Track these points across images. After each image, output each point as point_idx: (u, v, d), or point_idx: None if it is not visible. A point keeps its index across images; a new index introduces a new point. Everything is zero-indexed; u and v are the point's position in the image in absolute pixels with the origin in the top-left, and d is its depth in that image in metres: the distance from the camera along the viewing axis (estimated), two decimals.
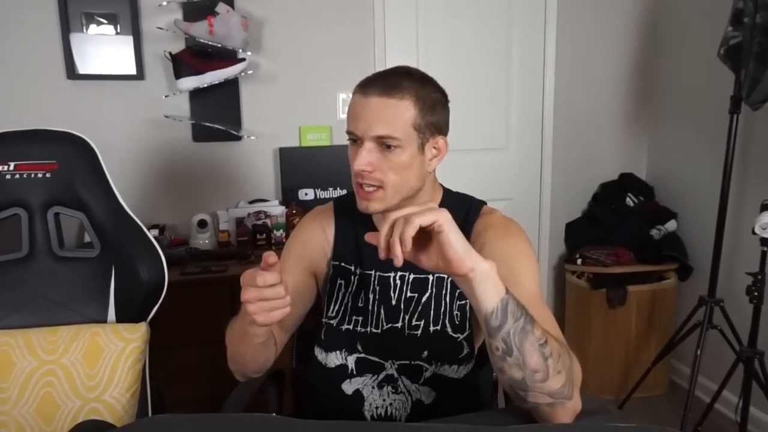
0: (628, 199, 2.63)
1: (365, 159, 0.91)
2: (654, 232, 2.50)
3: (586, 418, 0.80)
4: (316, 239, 1.08)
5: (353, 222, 1.07)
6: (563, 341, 0.86)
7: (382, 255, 0.72)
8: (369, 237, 0.75)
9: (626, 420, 2.31)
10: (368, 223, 1.05)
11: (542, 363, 0.75)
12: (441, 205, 1.02)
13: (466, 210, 1.04)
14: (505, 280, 0.94)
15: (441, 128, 0.97)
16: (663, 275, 2.43)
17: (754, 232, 1.80)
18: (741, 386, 1.94)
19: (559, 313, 2.75)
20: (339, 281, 1.05)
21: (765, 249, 1.82)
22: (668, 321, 2.43)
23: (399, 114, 0.90)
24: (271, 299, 0.74)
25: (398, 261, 0.70)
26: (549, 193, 2.68)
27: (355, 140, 0.93)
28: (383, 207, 0.94)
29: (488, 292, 0.73)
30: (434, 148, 0.97)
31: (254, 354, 0.94)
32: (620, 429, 0.68)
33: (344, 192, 1.88)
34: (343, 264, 1.05)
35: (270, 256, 0.74)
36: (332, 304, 1.05)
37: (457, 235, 0.72)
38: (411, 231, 0.69)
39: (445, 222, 0.71)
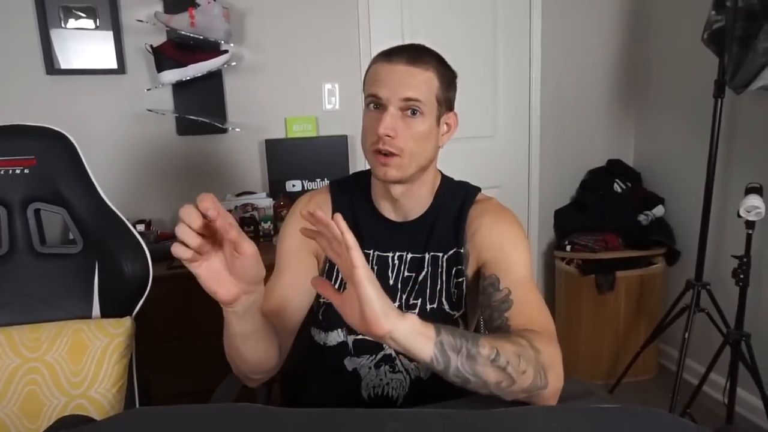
0: (615, 185, 2.64)
1: (390, 124, 0.91)
2: (642, 218, 2.51)
3: (573, 400, 0.81)
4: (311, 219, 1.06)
5: (351, 202, 1.07)
6: (545, 326, 0.88)
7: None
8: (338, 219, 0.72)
9: (615, 403, 2.34)
10: (367, 202, 1.05)
11: (501, 374, 0.77)
12: (438, 191, 1.04)
13: (462, 196, 1.06)
14: (496, 264, 0.96)
15: (452, 105, 1.01)
16: (651, 260, 2.45)
17: (739, 216, 1.81)
18: (728, 368, 1.97)
19: (549, 299, 2.76)
20: None
21: (750, 232, 1.83)
22: (657, 305, 2.45)
23: (425, 82, 0.94)
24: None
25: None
26: (537, 180, 2.68)
27: (377, 106, 0.94)
28: (401, 175, 0.94)
29: (419, 345, 0.73)
30: (446, 123, 1.00)
31: (246, 354, 0.87)
32: (605, 410, 0.68)
33: None
34: None
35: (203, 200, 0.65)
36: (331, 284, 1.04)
37: (376, 291, 0.69)
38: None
39: (363, 275, 0.68)
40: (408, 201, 1.02)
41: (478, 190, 1.09)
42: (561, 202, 2.73)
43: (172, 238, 2.29)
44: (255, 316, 0.80)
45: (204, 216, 0.65)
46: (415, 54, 0.95)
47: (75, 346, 1.14)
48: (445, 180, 1.09)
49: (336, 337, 1.03)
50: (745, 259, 1.85)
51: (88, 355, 1.14)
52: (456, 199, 1.05)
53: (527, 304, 0.92)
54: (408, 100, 0.92)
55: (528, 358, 0.79)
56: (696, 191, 2.13)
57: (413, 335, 0.72)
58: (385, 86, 0.93)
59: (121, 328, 1.19)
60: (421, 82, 0.93)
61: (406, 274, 1.02)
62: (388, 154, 0.93)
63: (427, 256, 1.02)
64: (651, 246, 2.44)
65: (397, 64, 0.93)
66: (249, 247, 0.69)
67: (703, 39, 1.91)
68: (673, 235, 2.49)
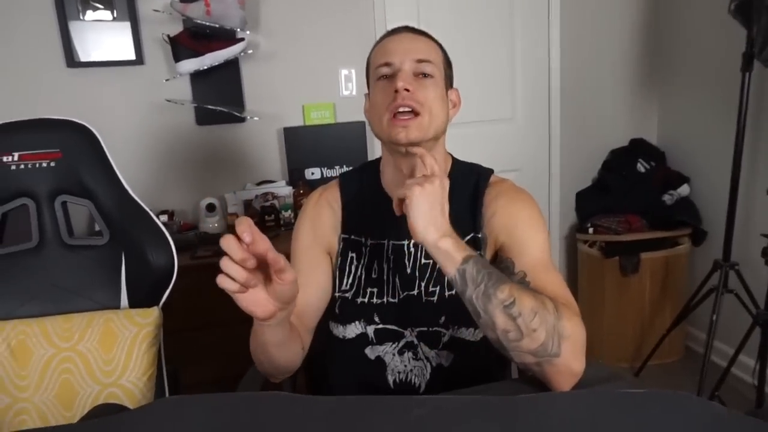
0: (639, 165, 2.58)
1: (408, 79, 0.92)
2: (666, 198, 2.46)
3: (598, 385, 0.80)
4: (325, 215, 1.07)
5: (361, 193, 1.06)
6: (569, 302, 0.87)
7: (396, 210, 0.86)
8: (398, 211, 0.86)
9: (642, 387, 2.32)
10: (377, 192, 1.04)
11: (511, 323, 0.79)
12: (450, 173, 1.03)
13: (475, 179, 1.04)
14: (511, 247, 0.95)
15: (452, 83, 1.03)
16: (676, 241, 2.40)
17: None
18: (758, 350, 1.93)
19: (571, 283, 2.73)
20: (350, 254, 1.04)
21: None
22: (683, 287, 2.41)
23: (433, 48, 0.98)
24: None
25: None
26: (558, 162, 2.64)
27: (387, 76, 0.95)
28: (421, 136, 0.92)
29: (444, 263, 0.82)
30: (451, 99, 1.01)
31: (276, 355, 0.89)
32: (631, 395, 0.68)
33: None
34: (353, 237, 1.04)
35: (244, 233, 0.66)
36: (345, 277, 1.04)
37: (419, 209, 0.82)
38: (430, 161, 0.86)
39: (413, 194, 0.82)
40: None
41: (491, 172, 1.07)
42: (582, 184, 2.69)
43: (195, 228, 2.31)
44: (285, 325, 0.83)
45: (239, 239, 0.67)
46: (418, 30, 1.00)
47: (105, 336, 1.17)
48: (457, 162, 1.07)
49: (354, 329, 1.02)
50: None
51: (118, 345, 1.16)
52: (469, 182, 1.03)
53: (545, 286, 0.90)
54: (420, 61, 0.94)
55: (544, 319, 0.79)
56: (723, 169, 2.08)
57: (439, 252, 0.82)
58: (396, 52, 0.94)
59: (149, 317, 1.21)
60: (431, 48, 0.98)
61: (423, 261, 1.01)
62: (408, 114, 0.91)
63: None
64: (676, 226, 2.40)
65: (404, 33, 0.98)
66: (291, 275, 0.72)
67: (729, 10, 1.84)
68: (699, 214, 2.44)
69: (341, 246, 1.05)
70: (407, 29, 0.99)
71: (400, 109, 0.91)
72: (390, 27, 2.25)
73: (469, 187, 1.03)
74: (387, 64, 0.94)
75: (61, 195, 1.24)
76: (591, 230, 2.48)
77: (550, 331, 0.78)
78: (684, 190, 2.48)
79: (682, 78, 2.52)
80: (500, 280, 0.80)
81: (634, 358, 2.42)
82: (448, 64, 1.01)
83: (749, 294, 1.96)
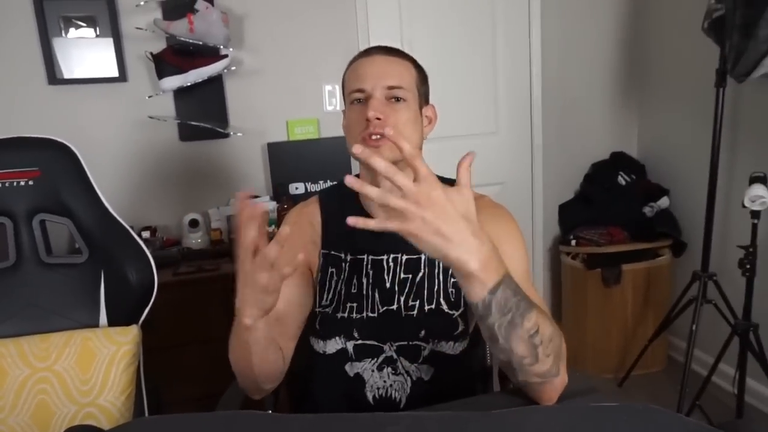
0: (620, 177, 2.62)
1: (378, 107, 0.93)
2: (647, 210, 2.50)
3: (574, 398, 0.81)
4: (304, 230, 1.07)
5: (341, 209, 1.06)
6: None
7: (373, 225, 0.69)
8: (351, 220, 0.70)
9: (625, 397, 2.33)
10: (356, 208, 1.05)
11: (531, 351, 0.76)
12: None
13: None
14: None
15: (428, 99, 1.04)
16: (657, 252, 2.44)
17: (743, 206, 1.80)
18: (737, 359, 1.96)
19: (555, 294, 2.76)
20: (330, 269, 1.05)
21: (755, 222, 1.82)
22: (664, 297, 2.43)
23: (406, 70, 0.99)
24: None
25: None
26: (541, 175, 2.67)
27: (360, 100, 0.96)
28: (393, 156, 0.92)
29: (467, 289, 0.72)
30: (426, 116, 1.03)
31: (259, 365, 0.91)
32: (603, 408, 0.69)
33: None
34: (332, 252, 1.05)
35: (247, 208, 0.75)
36: (325, 293, 1.05)
37: (432, 242, 0.67)
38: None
39: (419, 233, 0.67)
40: None
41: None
42: (565, 196, 2.72)
43: (178, 244, 2.30)
44: (266, 330, 0.86)
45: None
46: (391, 48, 1.01)
47: (83, 355, 1.16)
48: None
49: (335, 344, 1.03)
50: (751, 249, 1.83)
51: (96, 364, 1.16)
52: None
53: None
54: (392, 87, 0.95)
55: (555, 345, 0.79)
56: (701, 182, 2.12)
57: (469, 279, 0.70)
58: (368, 78, 0.95)
59: (128, 336, 1.20)
60: (403, 70, 0.98)
61: (402, 276, 1.02)
62: (379, 138, 0.93)
63: (423, 256, 1.02)
64: (657, 238, 2.43)
65: (376, 55, 0.98)
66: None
67: (703, 28, 1.90)
68: (679, 226, 2.48)
69: (321, 261, 1.06)
70: (379, 50, 1.00)
71: (372, 136, 0.93)
72: (373, 43, 2.31)
73: None
74: (359, 90, 0.96)
75: (39, 213, 1.23)
76: (573, 242, 2.50)
77: (557, 355, 0.79)
78: (664, 202, 2.52)
79: (660, 92, 2.58)
80: (529, 306, 0.75)
81: (618, 369, 2.44)
82: (422, 81, 1.02)
83: (727, 304, 1.99)
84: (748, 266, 1.84)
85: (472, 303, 0.73)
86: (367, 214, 1.04)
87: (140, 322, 1.27)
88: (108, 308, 1.25)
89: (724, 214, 2.20)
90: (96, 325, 1.24)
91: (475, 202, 1.01)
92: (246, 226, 0.75)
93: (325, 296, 1.05)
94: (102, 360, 1.16)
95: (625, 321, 2.43)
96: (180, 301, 1.77)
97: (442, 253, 0.68)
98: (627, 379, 2.38)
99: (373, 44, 2.26)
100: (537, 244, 2.73)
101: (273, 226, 2.12)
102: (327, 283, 1.05)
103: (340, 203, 1.07)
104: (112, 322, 1.25)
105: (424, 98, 1.02)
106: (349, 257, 1.04)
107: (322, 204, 1.10)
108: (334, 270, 1.05)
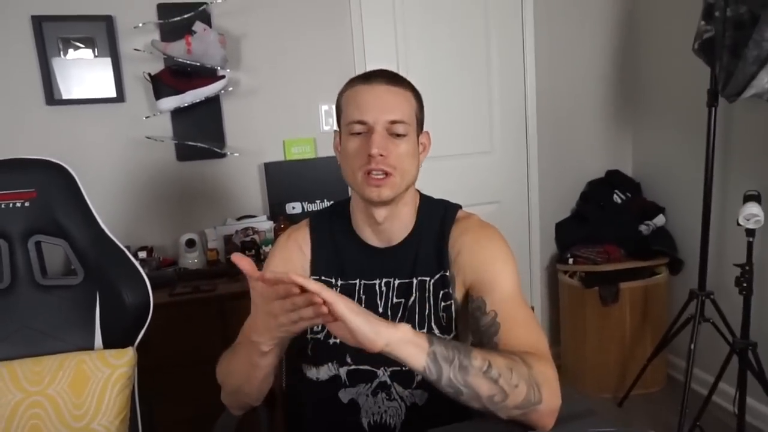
0: (615, 195, 2.64)
1: (381, 143, 0.92)
2: (643, 228, 2.51)
3: (570, 422, 0.80)
4: (294, 258, 1.06)
5: (331, 234, 1.06)
6: (536, 344, 0.88)
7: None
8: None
9: (625, 418, 2.31)
10: (348, 233, 1.05)
11: (494, 386, 0.78)
12: (419, 210, 1.05)
13: (441, 215, 1.05)
14: (481, 286, 0.96)
15: (423, 126, 1.03)
16: (654, 270, 2.44)
17: (738, 224, 1.81)
18: (737, 378, 1.95)
19: (553, 313, 2.75)
20: None
21: (750, 240, 1.83)
22: (662, 316, 2.43)
23: (407, 101, 0.97)
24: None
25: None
26: (537, 193, 2.68)
27: (359, 132, 0.94)
28: (394, 193, 0.95)
29: (412, 354, 0.76)
30: (422, 143, 1.02)
31: (260, 385, 0.93)
32: None
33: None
34: (323, 278, 1.04)
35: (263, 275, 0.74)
36: None
37: (358, 317, 0.73)
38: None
39: (343, 309, 0.72)
40: (392, 224, 1.01)
41: (458, 207, 1.08)
42: (561, 214, 2.73)
43: (174, 264, 2.29)
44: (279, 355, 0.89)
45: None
46: (392, 75, 0.98)
47: (77, 379, 1.14)
48: (424, 199, 1.08)
49: (327, 371, 1.02)
50: (747, 267, 1.84)
51: (90, 387, 1.14)
52: (436, 219, 1.04)
53: (514, 324, 0.91)
54: (394, 122, 0.93)
55: (520, 373, 0.79)
56: (695, 200, 2.13)
57: (405, 345, 0.76)
58: (370, 110, 0.93)
59: (123, 358, 1.19)
60: (404, 102, 0.96)
61: (394, 300, 1.01)
62: (381, 174, 0.93)
63: (414, 281, 1.01)
64: (653, 256, 2.44)
65: (378, 84, 0.95)
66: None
67: (693, 49, 1.93)
68: (675, 244, 2.48)
69: None
70: (381, 77, 0.97)
71: (373, 173, 0.93)
72: (369, 64, 2.35)
73: (435, 225, 1.04)
74: (360, 122, 0.94)
75: (35, 235, 1.23)
76: (571, 260, 2.50)
77: (529, 382, 0.79)
78: (660, 220, 2.53)
79: (653, 111, 2.61)
80: (467, 349, 0.80)
81: (617, 389, 2.42)
82: (420, 109, 1.01)
83: (725, 322, 1.99)
84: (744, 284, 1.84)
85: (420, 370, 0.77)
86: (358, 238, 1.04)
87: (136, 344, 1.26)
88: (103, 330, 1.24)
89: (719, 232, 2.21)
90: (91, 347, 1.23)
91: (463, 222, 1.04)
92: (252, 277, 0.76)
93: None
94: (96, 383, 1.14)
95: (623, 339, 2.42)
96: (175, 322, 1.75)
97: (370, 334, 0.74)
98: (627, 399, 2.36)
99: (369, 65, 2.31)
100: (534, 263, 2.73)
101: (270, 246, 2.11)
102: None
103: (331, 227, 1.07)
104: (108, 344, 1.23)
105: (420, 126, 1.01)
106: (340, 282, 1.04)
107: (312, 228, 1.08)
108: None
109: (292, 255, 1.06)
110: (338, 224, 1.06)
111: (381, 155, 0.91)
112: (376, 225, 1.01)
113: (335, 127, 1.04)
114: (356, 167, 0.94)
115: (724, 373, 1.94)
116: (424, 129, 1.04)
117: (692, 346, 1.96)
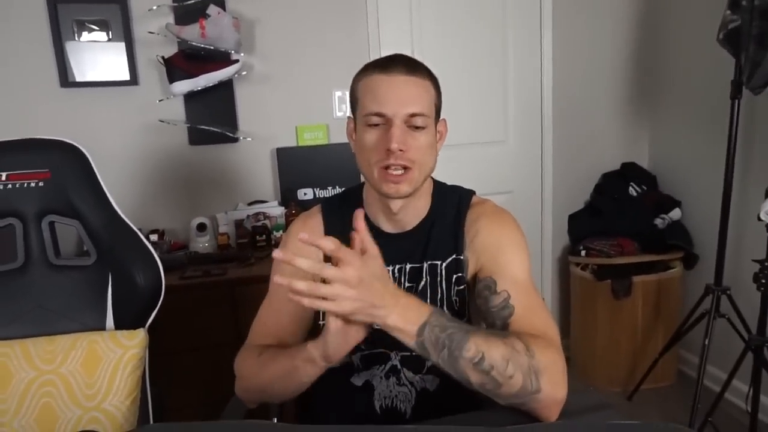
0: (630, 188, 2.60)
1: (400, 137, 0.89)
2: (658, 221, 2.47)
3: (587, 414, 0.79)
4: (306, 249, 1.05)
5: (343, 222, 1.04)
6: (545, 330, 0.86)
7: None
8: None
9: (635, 411, 2.29)
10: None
11: (484, 377, 0.78)
12: (433, 197, 1.03)
13: (456, 201, 1.04)
14: (492, 267, 0.95)
15: (440, 113, 0.99)
16: (668, 264, 2.40)
17: (759, 219, 1.77)
18: (751, 375, 1.92)
19: (564, 305, 2.73)
20: None
21: None
22: (675, 310, 2.40)
23: (426, 92, 0.93)
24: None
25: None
26: (550, 184, 2.65)
27: (377, 124, 0.91)
28: (412, 188, 0.93)
29: (401, 339, 0.79)
30: (438, 131, 0.99)
31: (297, 389, 0.92)
32: (624, 426, 0.66)
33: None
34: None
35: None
36: None
37: (344, 309, 0.75)
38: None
39: (353, 311, 0.75)
40: (407, 213, 1.00)
41: (472, 193, 1.07)
42: (575, 206, 2.69)
43: (185, 247, 2.30)
44: None
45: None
46: (411, 63, 0.94)
47: (89, 358, 1.15)
48: (438, 185, 1.07)
49: None
50: (766, 263, 1.80)
51: (102, 367, 1.14)
52: (451, 204, 1.03)
53: (528, 310, 0.90)
54: (414, 115, 0.90)
55: (518, 363, 0.78)
56: (714, 194, 2.09)
57: (395, 331, 0.78)
58: (389, 102, 0.90)
59: (134, 339, 1.19)
60: (423, 93, 0.93)
61: (406, 285, 1.01)
62: (399, 170, 0.91)
63: (425, 265, 1.00)
64: (668, 250, 2.40)
65: (396, 74, 0.91)
66: None
67: (718, 39, 1.87)
68: (691, 238, 2.45)
69: None
70: (399, 66, 0.92)
71: (392, 169, 0.91)
72: (384, 50, 2.31)
73: (451, 209, 1.03)
74: (378, 114, 0.91)
75: (48, 215, 1.23)
76: (583, 253, 2.48)
77: (526, 372, 0.78)
78: (675, 214, 2.49)
79: (672, 103, 2.56)
80: (463, 337, 0.78)
81: (627, 382, 2.40)
82: (438, 97, 0.97)
83: (741, 319, 1.96)
84: (763, 281, 1.80)
85: (410, 347, 0.79)
86: (372, 225, 1.02)
87: (147, 325, 1.26)
88: (115, 311, 1.24)
89: (737, 226, 2.17)
90: (103, 328, 1.23)
91: (478, 207, 1.02)
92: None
93: None
94: (108, 364, 1.15)
95: (634, 334, 2.40)
96: (186, 305, 1.76)
97: (369, 318, 0.77)
98: (636, 393, 2.34)
99: (383, 51, 2.28)
100: (546, 254, 2.70)
101: (281, 231, 2.11)
102: None
103: (343, 214, 1.04)
104: (119, 325, 1.24)
105: (438, 114, 0.99)
106: None
107: (325, 216, 1.07)
108: None
109: (305, 246, 1.05)
110: (351, 211, 1.05)
111: (401, 150, 0.89)
112: (391, 214, 1.00)
113: (349, 113, 1.01)
114: (373, 161, 0.92)
115: (738, 369, 1.91)
116: (441, 116, 1.02)
117: (706, 342, 1.93)
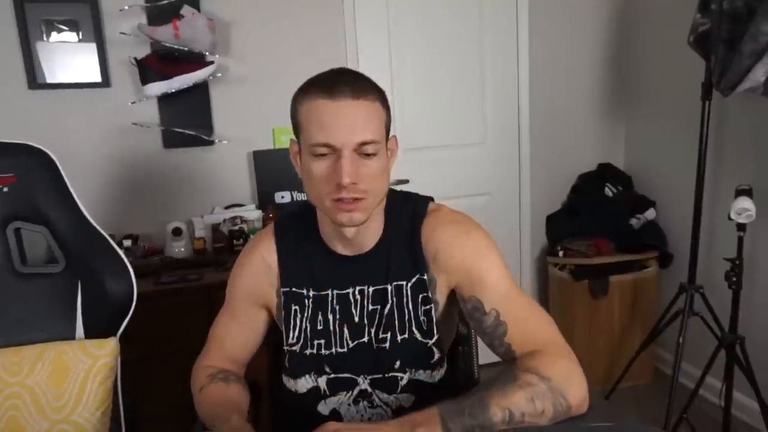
0: (606, 189, 2.63)
1: (351, 170, 0.83)
2: (633, 221, 2.51)
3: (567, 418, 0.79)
4: (259, 271, 1.02)
5: (298, 244, 1.00)
6: (551, 336, 0.88)
7: None
8: None
9: (612, 409, 2.32)
10: (315, 242, 0.99)
11: (521, 424, 0.77)
12: (387, 212, 0.98)
13: (410, 211, 0.99)
14: (471, 285, 0.92)
15: (389, 131, 0.93)
16: (644, 264, 2.44)
17: (730, 218, 1.80)
18: (724, 371, 1.95)
19: (542, 305, 2.73)
20: (293, 307, 0.99)
21: (741, 234, 1.83)
22: (651, 309, 2.43)
23: (376, 115, 0.86)
24: None
25: None
26: (528, 186, 2.67)
27: (325, 154, 0.84)
28: (366, 217, 0.88)
29: None
30: (389, 149, 0.92)
31: None
32: (597, 429, 0.66)
33: None
34: (293, 289, 0.99)
35: None
36: (291, 330, 0.99)
37: None
38: None
39: None
40: (363, 237, 0.96)
41: (428, 200, 1.01)
42: (552, 207, 2.72)
43: (160, 252, 2.25)
44: None
45: None
46: (358, 84, 0.86)
47: (57, 369, 1.11)
48: (391, 198, 0.98)
49: (305, 383, 0.98)
50: (737, 262, 1.84)
51: (70, 378, 1.11)
52: (406, 218, 0.98)
53: (520, 320, 0.89)
54: (364, 144, 0.84)
55: (542, 396, 0.79)
56: (687, 194, 2.13)
57: None
58: (336, 131, 0.83)
59: (105, 348, 1.16)
60: (373, 117, 0.86)
61: (370, 307, 0.97)
62: (353, 200, 0.85)
63: (389, 286, 0.96)
64: (644, 250, 2.44)
65: (342, 99, 0.83)
66: None
67: (689, 42, 1.91)
68: (666, 238, 2.49)
69: (282, 300, 1.00)
70: (346, 88, 0.84)
71: (345, 199, 0.85)
72: (362, 54, 2.31)
73: (406, 223, 0.97)
74: (326, 146, 0.84)
75: (14, 221, 1.19)
76: (561, 253, 2.50)
77: (553, 399, 0.79)
78: (650, 214, 2.52)
79: (647, 105, 2.60)
80: (482, 408, 0.76)
81: (605, 381, 2.43)
82: (388, 115, 0.90)
83: (714, 317, 1.99)
84: (734, 279, 1.84)
85: None
86: (326, 246, 0.99)
87: (119, 334, 1.23)
88: (85, 320, 1.21)
89: (710, 226, 2.21)
90: (72, 337, 1.20)
91: (432, 217, 0.98)
92: None
93: (291, 334, 0.99)
94: (77, 374, 1.12)
95: (612, 332, 2.43)
96: (161, 312, 1.72)
97: None
98: (614, 392, 2.37)
99: (361, 54, 2.27)
100: (524, 255, 2.72)
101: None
102: (291, 321, 0.99)
103: (297, 238, 1.01)
104: (90, 334, 1.21)
105: (388, 132, 0.91)
106: (312, 293, 0.99)
107: (278, 238, 1.02)
108: (297, 308, 0.99)
109: (259, 271, 1.02)
110: (305, 233, 1.00)
111: (353, 183, 0.83)
112: (345, 239, 0.95)
113: (292, 135, 0.94)
114: (324, 194, 0.86)
115: (712, 366, 1.95)
116: (392, 133, 0.94)
117: (680, 340, 1.96)
